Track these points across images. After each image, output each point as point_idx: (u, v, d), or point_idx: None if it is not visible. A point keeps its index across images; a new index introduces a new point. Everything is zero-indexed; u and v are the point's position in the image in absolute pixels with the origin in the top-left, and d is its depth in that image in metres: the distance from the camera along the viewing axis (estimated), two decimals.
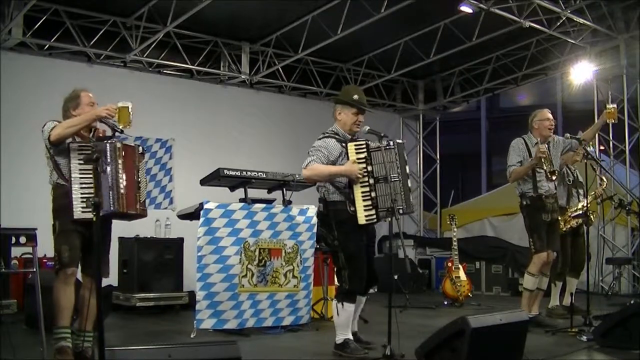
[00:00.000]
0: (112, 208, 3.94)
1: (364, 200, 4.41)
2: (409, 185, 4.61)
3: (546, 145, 5.66)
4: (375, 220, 4.45)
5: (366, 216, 4.40)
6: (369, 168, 4.43)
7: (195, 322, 5.23)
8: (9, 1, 7.11)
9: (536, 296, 5.78)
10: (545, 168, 5.57)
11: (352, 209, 4.44)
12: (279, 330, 5.60)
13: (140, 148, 4.28)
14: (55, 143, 4.00)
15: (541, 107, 6.07)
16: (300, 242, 5.78)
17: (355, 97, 4.67)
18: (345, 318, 4.52)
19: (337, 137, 4.62)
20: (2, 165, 7.23)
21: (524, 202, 5.73)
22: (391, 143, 4.51)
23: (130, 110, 3.95)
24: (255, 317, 5.53)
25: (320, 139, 4.63)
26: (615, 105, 6.01)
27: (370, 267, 4.69)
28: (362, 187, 4.42)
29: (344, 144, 4.55)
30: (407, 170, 4.61)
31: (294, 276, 5.74)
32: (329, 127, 4.73)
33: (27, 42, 7.69)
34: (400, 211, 4.39)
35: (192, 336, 5.15)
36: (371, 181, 4.42)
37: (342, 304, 4.49)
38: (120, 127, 3.96)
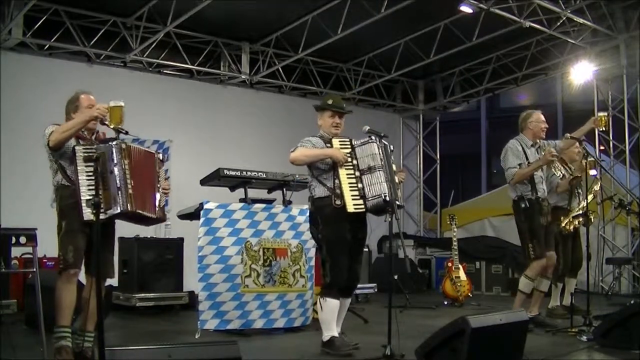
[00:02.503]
0: (122, 207, 3.93)
1: (351, 191, 4.53)
2: (396, 179, 4.67)
3: (553, 150, 5.60)
4: (363, 209, 4.52)
5: (354, 205, 4.51)
6: (354, 162, 4.59)
7: (198, 322, 5.21)
8: (9, 1, 7.12)
9: (537, 298, 5.76)
10: (563, 172, 5.51)
11: (337, 202, 4.56)
12: (279, 330, 5.59)
13: (161, 155, 4.34)
14: (55, 148, 4.03)
15: (541, 107, 6.06)
16: (304, 242, 5.76)
17: (330, 101, 4.87)
18: (328, 314, 4.58)
19: (320, 137, 4.81)
20: (2, 165, 7.23)
21: (522, 205, 5.61)
22: (373, 137, 4.64)
23: (123, 109, 3.91)
24: (264, 318, 5.48)
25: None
26: (606, 114, 5.91)
27: (353, 269, 4.72)
28: (348, 178, 4.56)
29: (328, 144, 4.72)
30: (394, 167, 4.71)
31: (301, 276, 5.72)
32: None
33: (27, 42, 7.70)
34: (387, 198, 4.42)
35: (196, 337, 5.13)
36: (357, 173, 4.56)
37: (325, 299, 4.57)
38: (112, 126, 3.95)
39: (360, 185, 4.53)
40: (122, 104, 3.94)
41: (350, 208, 4.49)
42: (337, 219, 4.57)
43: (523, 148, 5.68)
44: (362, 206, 4.51)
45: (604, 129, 5.74)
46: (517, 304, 5.60)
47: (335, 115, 4.81)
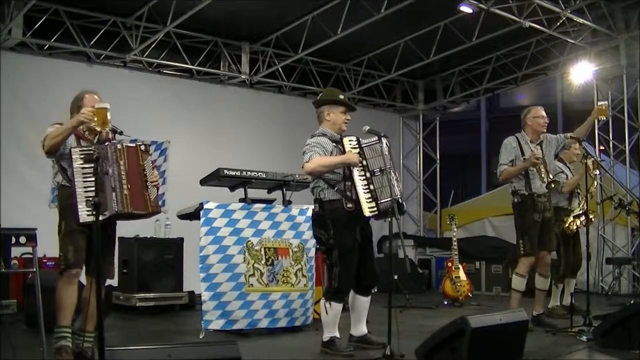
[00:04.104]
0: (115, 209, 3.94)
1: (365, 194, 4.49)
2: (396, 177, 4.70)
3: (539, 149, 5.57)
4: (377, 212, 4.49)
5: (369, 208, 4.47)
6: (364, 162, 4.54)
7: (202, 322, 5.18)
8: (9, 1, 7.11)
9: (539, 297, 5.77)
10: (542, 176, 5.50)
11: (349, 205, 4.52)
12: (278, 329, 5.58)
13: (143, 146, 4.24)
14: (49, 153, 4.03)
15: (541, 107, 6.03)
16: (305, 241, 5.75)
17: (341, 96, 4.80)
18: (332, 317, 4.56)
19: (328, 136, 4.70)
20: (2, 165, 7.23)
21: (515, 200, 5.66)
22: (380, 137, 4.61)
23: (107, 111, 3.87)
24: (269, 318, 5.46)
25: (311, 138, 4.70)
26: (606, 102, 5.91)
27: (370, 267, 4.73)
28: (361, 181, 4.51)
29: (335, 143, 4.65)
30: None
31: (303, 275, 5.71)
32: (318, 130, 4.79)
33: (27, 42, 7.69)
34: (400, 201, 4.47)
35: (200, 337, 5.12)
36: (367, 175, 4.52)
37: (330, 304, 4.54)
38: (98, 128, 3.93)
39: (372, 187, 4.49)
40: (107, 105, 3.90)
41: (367, 213, 4.46)
42: (349, 223, 4.54)
43: (520, 144, 5.65)
44: (376, 209, 4.48)
45: (605, 118, 5.73)
46: (513, 303, 5.59)
47: (347, 111, 4.76)
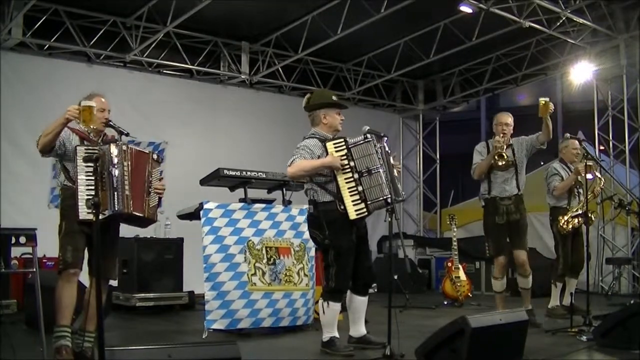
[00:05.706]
0: (116, 208, 3.95)
1: (351, 195, 4.48)
2: (395, 174, 4.66)
3: (505, 139, 5.74)
4: (366, 213, 4.49)
5: (356, 211, 4.46)
6: (352, 164, 4.51)
7: (205, 322, 5.17)
8: (9, 1, 7.11)
9: (524, 295, 5.94)
10: (496, 158, 5.65)
11: (342, 207, 4.51)
12: (279, 329, 5.59)
13: (155, 155, 4.32)
14: (43, 152, 4.05)
15: (506, 113, 6.14)
16: (306, 241, 5.74)
17: (334, 97, 4.82)
18: (330, 317, 4.57)
19: (318, 137, 4.71)
20: (2, 165, 7.22)
21: (481, 204, 5.91)
22: (368, 136, 4.59)
23: (92, 109, 3.88)
24: (273, 317, 5.47)
25: (302, 141, 4.72)
26: (547, 99, 5.52)
27: (366, 266, 4.74)
28: (347, 182, 4.49)
29: (324, 144, 4.66)
30: (392, 161, 4.68)
31: (305, 274, 5.72)
32: (309, 132, 4.80)
33: (27, 42, 7.70)
34: (389, 200, 4.44)
35: (204, 337, 5.11)
36: (356, 176, 4.50)
37: (328, 303, 4.55)
38: (83, 126, 3.95)
39: (360, 189, 4.47)
40: (93, 104, 3.92)
41: (353, 216, 4.45)
42: (344, 224, 4.53)
43: (489, 148, 5.90)
44: (365, 210, 4.47)
45: (544, 115, 5.52)
46: (497, 304, 5.91)
47: (340, 112, 4.79)
